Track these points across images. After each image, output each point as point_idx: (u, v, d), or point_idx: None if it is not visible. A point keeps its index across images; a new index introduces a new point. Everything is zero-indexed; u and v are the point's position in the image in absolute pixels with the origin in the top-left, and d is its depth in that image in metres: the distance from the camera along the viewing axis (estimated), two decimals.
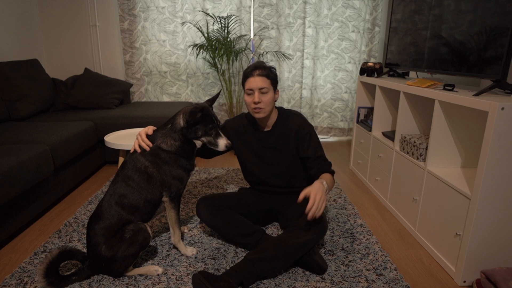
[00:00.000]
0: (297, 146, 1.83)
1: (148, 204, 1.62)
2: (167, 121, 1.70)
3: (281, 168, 1.87)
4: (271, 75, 1.74)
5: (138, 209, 1.60)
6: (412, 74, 2.86)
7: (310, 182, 1.88)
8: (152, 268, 1.62)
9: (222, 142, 1.66)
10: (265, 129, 1.87)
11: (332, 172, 1.77)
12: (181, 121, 1.64)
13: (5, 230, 1.85)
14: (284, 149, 1.84)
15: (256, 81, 1.71)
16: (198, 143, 1.70)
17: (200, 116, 1.59)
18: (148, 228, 1.58)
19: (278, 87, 3.82)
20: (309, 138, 1.80)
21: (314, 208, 1.46)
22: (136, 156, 1.64)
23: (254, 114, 1.76)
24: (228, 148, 1.66)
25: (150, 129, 1.69)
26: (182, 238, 1.89)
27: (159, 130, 1.69)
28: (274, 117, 1.85)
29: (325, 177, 1.68)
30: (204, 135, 1.64)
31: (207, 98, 3.85)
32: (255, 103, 1.71)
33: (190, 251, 1.77)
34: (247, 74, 1.75)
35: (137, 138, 1.68)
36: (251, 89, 1.72)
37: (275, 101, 1.81)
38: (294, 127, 1.82)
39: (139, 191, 1.59)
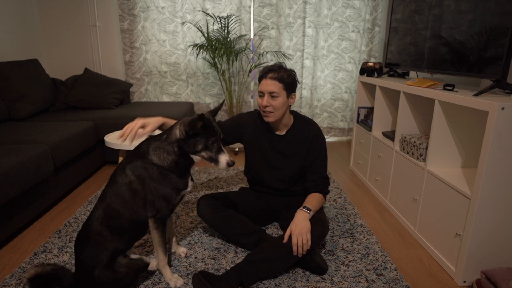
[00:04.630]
0: (306, 155, 1.82)
1: (135, 225, 1.46)
2: (164, 131, 1.53)
3: (287, 174, 1.86)
4: (286, 79, 1.67)
5: (126, 230, 1.44)
6: (412, 74, 2.86)
7: (305, 191, 1.87)
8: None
9: (224, 159, 1.48)
10: (278, 133, 1.84)
11: (326, 192, 1.79)
12: (177, 132, 1.46)
13: (5, 230, 1.85)
14: (294, 156, 1.83)
15: (268, 84, 1.67)
16: (197, 159, 1.51)
17: (201, 126, 1.42)
18: (145, 261, 1.48)
19: None
20: (318, 152, 1.79)
21: (299, 249, 1.53)
22: (123, 169, 1.46)
23: (263, 116, 1.74)
24: (230, 165, 1.49)
25: (147, 128, 1.53)
26: (169, 264, 1.69)
27: (153, 140, 1.50)
28: (288, 122, 1.82)
29: (313, 199, 1.72)
30: (205, 149, 1.47)
31: (207, 98, 3.86)
32: (263, 106, 1.69)
33: (174, 281, 1.54)
34: (262, 75, 1.71)
35: (128, 127, 1.51)
36: (262, 92, 1.70)
37: (290, 105, 1.76)
38: (308, 136, 1.79)
39: (125, 210, 1.43)
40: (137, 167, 1.45)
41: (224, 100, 1.71)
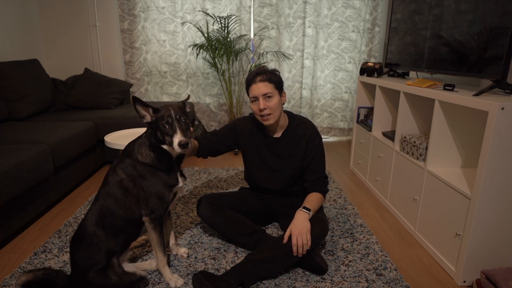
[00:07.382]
0: (303, 155, 1.82)
1: (129, 223, 1.46)
2: None
3: (285, 175, 1.85)
4: (274, 79, 1.68)
5: (121, 230, 1.44)
6: (412, 74, 2.85)
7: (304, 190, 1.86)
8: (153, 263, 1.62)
9: (175, 141, 1.34)
10: (274, 135, 1.83)
11: (325, 192, 1.79)
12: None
13: (5, 230, 1.85)
14: (291, 157, 1.82)
15: (259, 88, 1.66)
16: (170, 150, 1.44)
17: (153, 111, 1.40)
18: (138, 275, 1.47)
19: None
20: (315, 152, 1.79)
21: (299, 249, 1.54)
22: (114, 169, 1.47)
23: (263, 121, 1.71)
24: (181, 146, 1.33)
25: None
26: (169, 264, 1.68)
27: (138, 138, 1.51)
28: (284, 123, 1.81)
29: (313, 198, 1.72)
30: (163, 135, 1.39)
31: (207, 98, 3.86)
32: (260, 110, 1.67)
33: (174, 281, 1.53)
34: (249, 81, 1.70)
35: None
36: (255, 97, 1.68)
37: (283, 104, 1.76)
38: (305, 136, 1.79)
39: (118, 209, 1.43)
40: (127, 166, 1.45)
41: (189, 96, 1.64)
